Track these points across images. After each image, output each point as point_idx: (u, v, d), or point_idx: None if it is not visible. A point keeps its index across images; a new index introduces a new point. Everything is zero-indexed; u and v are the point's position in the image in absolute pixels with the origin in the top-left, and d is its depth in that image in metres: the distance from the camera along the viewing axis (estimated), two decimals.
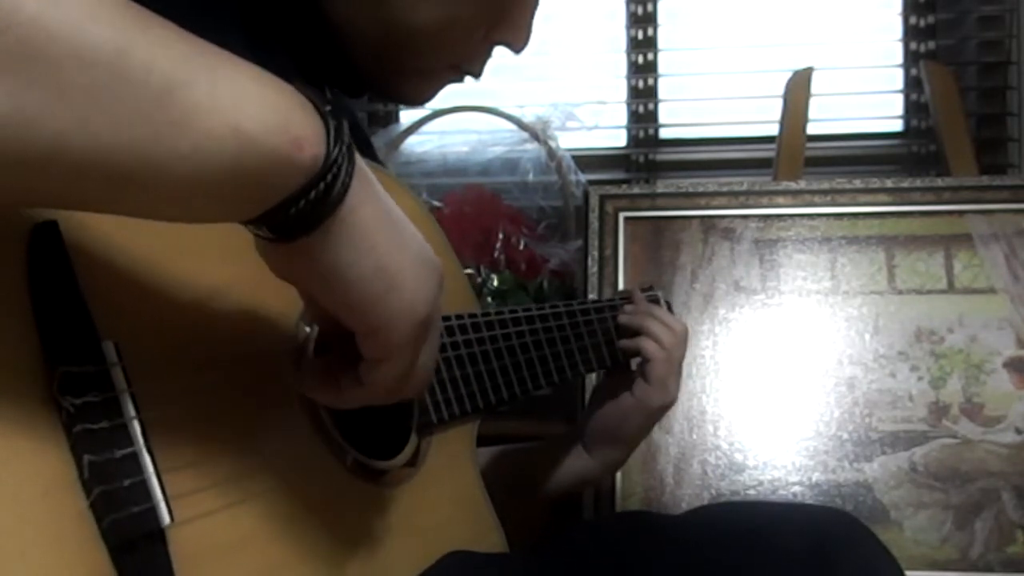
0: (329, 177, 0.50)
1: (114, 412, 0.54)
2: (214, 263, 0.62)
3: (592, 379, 1.46)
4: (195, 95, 0.44)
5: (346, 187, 0.51)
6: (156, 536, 0.55)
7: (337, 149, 0.50)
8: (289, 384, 0.67)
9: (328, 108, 0.51)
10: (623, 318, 1.06)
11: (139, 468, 0.54)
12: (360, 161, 0.53)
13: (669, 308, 1.16)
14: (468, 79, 0.96)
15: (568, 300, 1.09)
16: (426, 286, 0.58)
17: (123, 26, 0.43)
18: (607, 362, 1.05)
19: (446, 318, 0.85)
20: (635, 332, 1.04)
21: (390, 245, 0.55)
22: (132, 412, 0.55)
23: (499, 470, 1.07)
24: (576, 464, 1.07)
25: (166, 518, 0.55)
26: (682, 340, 1.04)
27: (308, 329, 0.69)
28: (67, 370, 0.52)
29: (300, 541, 0.64)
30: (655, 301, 1.14)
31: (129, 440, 0.54)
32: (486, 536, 0.86)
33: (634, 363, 1.06)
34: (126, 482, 0.53)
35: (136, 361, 0.56)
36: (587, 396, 1.45)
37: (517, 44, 0.91)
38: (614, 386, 1.05)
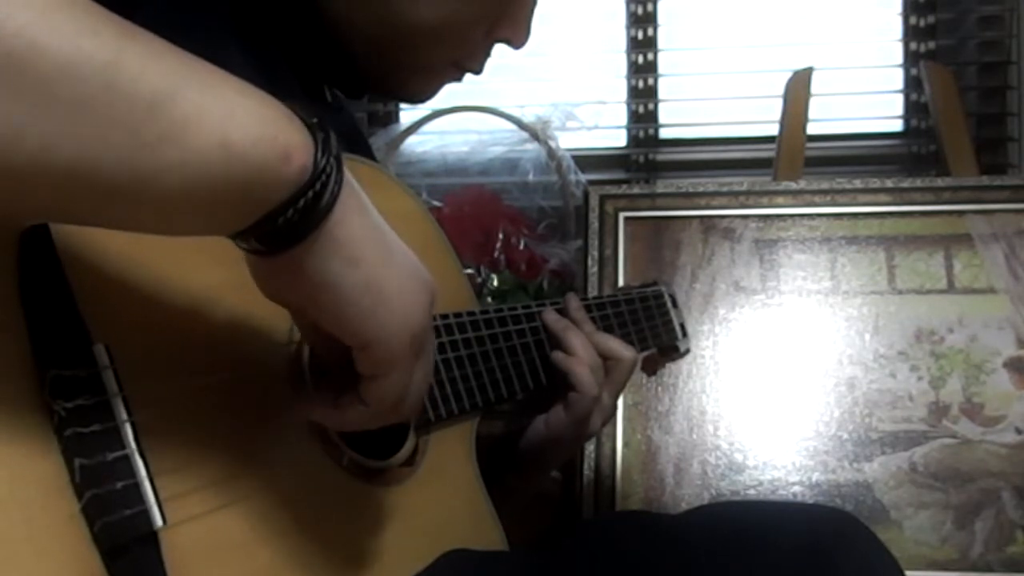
0: (317, 187, 0.50)
1: (106, 415, 0.54)
2: (207, 266, 0.62)
3: None
4: (182, 108, 0.44)
5: (334, 198, 0.51)
6: (148, 539, 0.54)
7: (325, 160, 0.50)
8: (283, 386, 0.67)
9: (315, 120, 0.51)
10: (549, 320, 0.97)
11: (131, 471, 0.54)
12: (348, 174, 0.53)
13: (674, 302, 1.16)
14: (468, 77, 0.97)
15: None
16: (416, 300, 0.58)
17: (111, 39, 0.43)
18: None
19: (444, 316, 0.85)
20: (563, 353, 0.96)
21: (378, 258, 0.55)
22: (124, 415, 0.55)
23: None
24: (507, 478, 1.01)
25: (158, 521, 0.55)
26: (627, 372, 0.98)
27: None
28: (58, 373, 0.52)
29: (295, 542, 0.64)
30: (659, 296, 1.13)
31: (121, 443, 0.54)
32: (485, 534, 0.86)
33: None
34: (118, 485, 0.53)
35: (128, 364, 0.56)
36: None
37: (517, 41, 0.92)
38: (541, 400, 0.99)
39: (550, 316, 0.96)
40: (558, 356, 0.95)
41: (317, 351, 0.64)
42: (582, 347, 0.95)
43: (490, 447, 0.96)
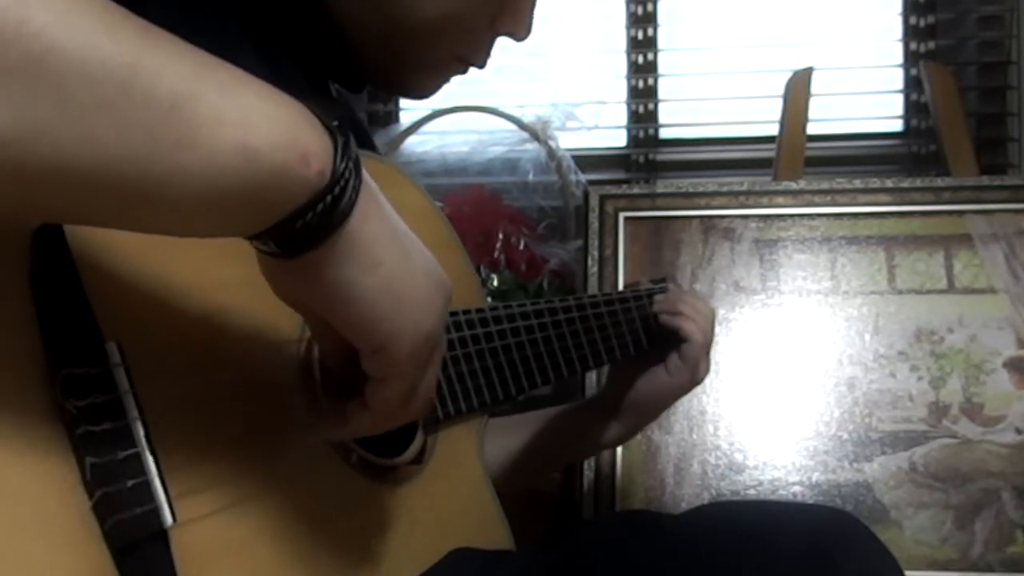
0: (336, 192, 0.49)
1: (117, 413, 0.54)
2: (219, 264, 0.62)
3: (591, 376, 1.46)
4: (201, 110, 0.44)
5: (352, 202, 0.51)
6: (159, 537, 0.55)
7: (344, 164, 0.50)
8: (293, 385, 0.67)
9: (336, 123, 0.51)
10: (659, 299, 1.08)
11: (142, 469, 0.54)
12: (368, 177, 0.53)
13: None
14: (468, 77, 0.96)
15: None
16: (432, 303, 0.58)
17: (130, 41, 0.43)
18: (622, 353, 1.05)
19: (453, 313, 0.84)
20: (670, 314, 1.06)
21: (396, 261, 0.55)
22: (135, 413, 0.55)
23: (522, 437, 1.10)
24: (601, 432, 1.10)
25: (168, 519, 0.55)
26: (712, 324, 1.07)
27: None
28: (70, 371, 0.52)
29: (304, 540, 0.64)
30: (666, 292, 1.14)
31: (132, 441, 0.54)
32: (492, 532, 0.86)
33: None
34: (129, 483, 0.53)
35: (139, 362, 0.56)
36: (586, 394, 1.45)
37: (520, 33, 0.92)
38: (641, 364, 1.07)
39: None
40: (667, 318, 1.06)
41: (327, 352, 0.64)
42: (685, 305, 1.06)
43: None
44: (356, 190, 0.51)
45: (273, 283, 0.55)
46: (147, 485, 0.54)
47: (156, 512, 0.54)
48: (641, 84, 2.13)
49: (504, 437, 1.09)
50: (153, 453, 0.55)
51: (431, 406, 0.72)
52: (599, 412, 1.10)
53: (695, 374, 1.05)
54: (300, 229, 0.49)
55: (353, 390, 0.61)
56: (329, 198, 0.49)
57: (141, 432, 0.54)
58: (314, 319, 0.59)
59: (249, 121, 0.46)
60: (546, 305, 0.96)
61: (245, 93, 0.47)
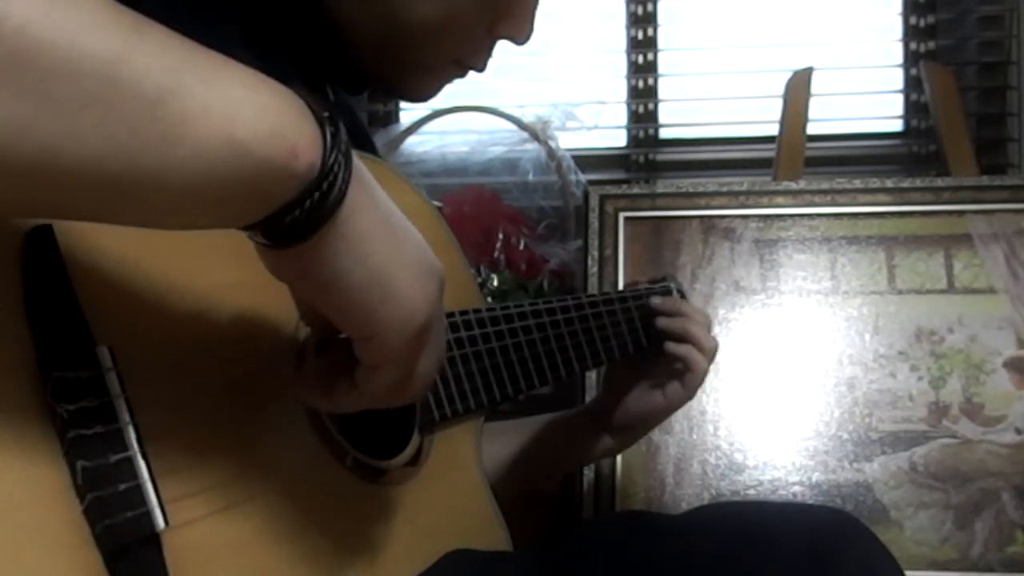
0: (325, 185, 0.49)
1: (108, 417, 0.54)
2: (212, 266, 0.62)
3: (591, 377, 1.46)
4: (187, 104, 0.44)
5: (343, 194, 0.50)
6: (150, 541, 0.54)
7: (334, 156, 0.49)
8: (286, 386, 0.67)
9: (327, 114, 0.51)
10: (665, 322, 1.06)
11: (133, 473, 0.54)
12: (359, 166, 0.53)
13: (682, 296, 1.16)
14: (468, 76, 0.96)
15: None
16: (425, 292, 0.57)
17: (115, 35, 0.42)
18: (621, 353, 1.04)
19: (450, 314, 0.84)
20: (677, 341, 1.05)
21: (387, 252, 0.55)
22: (127, 417, 0.54)
23: (516, 442, 1.11)
24: (596, 444, 1.10)
25: (160, 523, 0.54)
26: (716, 353, 1.06)
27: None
28: (61, 375, 0.52)
29: (298, 543, 0.64)
30: (667, 292, 1.14)
31: (124, 445, 0.54)
32: (490, 534, 0.86)
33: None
34: (120, 487, 0.53)
35: (131, 366, 0.56)
36: (587, 395, 1.45)
37: (520, 37, 0.91)
38: (635, 375, 1.06)
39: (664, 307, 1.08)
40: (674, 347, 1.04)
41: (316, 333, 0.64)
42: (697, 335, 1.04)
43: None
44: (346, 182, 0.51)
45: (267, 266, 0.55)
46: (139, 489, 0.54)
47: (148, 516, 0.54)
48: (641, 84, 2.13)
49: (499, 442, 1.08)
50: (145, 457, 0.55)
51: (430, 389, 0.71)
52: (592, 423, 1.10)
53: (689, 398, 1.05)
54: (289, 223, 0.49)
55: (342, 363, 0.61)
56: (318, 192, 0.49)
57: (133, 436, 0.54)
58: (303, 299, 0.59)
59: (236, 113, 0.46)
60: (544, 306, 0.96)
61: (232, 84, 0.47)
